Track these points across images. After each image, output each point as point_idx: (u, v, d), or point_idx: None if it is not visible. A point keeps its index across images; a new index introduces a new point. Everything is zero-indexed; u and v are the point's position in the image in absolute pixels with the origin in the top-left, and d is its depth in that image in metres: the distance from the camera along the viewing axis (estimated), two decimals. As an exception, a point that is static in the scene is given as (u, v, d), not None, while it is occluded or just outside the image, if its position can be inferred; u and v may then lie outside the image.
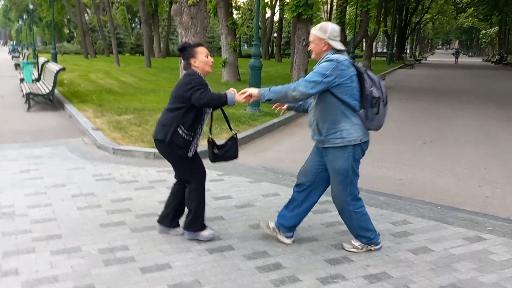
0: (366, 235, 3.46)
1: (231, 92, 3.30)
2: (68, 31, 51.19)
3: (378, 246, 3.52)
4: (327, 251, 3.50)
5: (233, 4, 15.30)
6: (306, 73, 14.06)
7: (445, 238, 3.82)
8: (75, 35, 49.76)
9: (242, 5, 18.51)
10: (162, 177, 5.26)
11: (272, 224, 3.64)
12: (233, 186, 5.00)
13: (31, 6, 35.41)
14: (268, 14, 35.15)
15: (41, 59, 13.42)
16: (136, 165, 5.75)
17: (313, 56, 3.37)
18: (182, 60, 3.52)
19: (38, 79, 12.69)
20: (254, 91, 3.21)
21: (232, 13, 15.83)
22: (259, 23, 34.92)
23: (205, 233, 3.61)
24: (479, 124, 9.50)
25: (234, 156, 3.66)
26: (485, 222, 4.21)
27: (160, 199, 4.53)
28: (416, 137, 8.00)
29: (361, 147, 3.36)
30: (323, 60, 3.21)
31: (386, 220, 4.18)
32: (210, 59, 3.52)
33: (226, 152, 3.62)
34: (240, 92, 3.27)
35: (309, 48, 3.38)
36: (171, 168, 5.54)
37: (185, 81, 3.34)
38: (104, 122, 7.90)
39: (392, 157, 6.56)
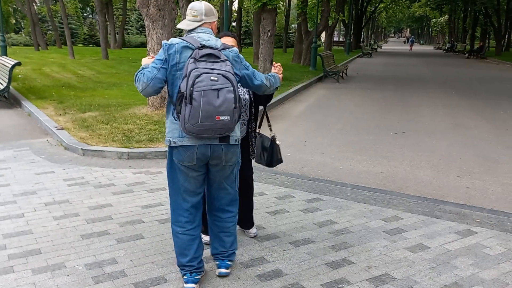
0: (178, 259, 2.91)
1: None
2: (15, 21, 48.55)
3: (185, 285, 2.86)
4: (325, 254, 3.40)
5: (195, -6, 14.88)
6: (272, 63, 13.94)
7: (438, 234, 3.82)
8: (23, 25, 47.27)
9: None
10: (140, 179, 4.99)
11: None
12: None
13: (-27, -5, 33.20)
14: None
15: (-9, 53, 12.58)
16: (110, 166, 5.44)
17: None
18: None
19: (-12, 74, 11.87)
20: None
21: (193, 1, 15.45)
22: (219, 12, 34.25)
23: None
24: (445, 112, 9.72)
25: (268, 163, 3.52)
26: (472, 214, 4.26)
27: (142, 203, 4.29)
28: (387, 128, 8.07)
29: (179, 152, 2.70)
30: None
31: (377, 216, 4.14)
32: None
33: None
34: None
35: None
36: (149, 169, 5.34)
37: None
38: (68, 121, 7.46)
39: (369, 150, 6.57)
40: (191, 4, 2.84)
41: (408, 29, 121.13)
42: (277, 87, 3.18)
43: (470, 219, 4.13)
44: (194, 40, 2.67)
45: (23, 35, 42.56)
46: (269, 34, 13.29)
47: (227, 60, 2.65)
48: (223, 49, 2.71)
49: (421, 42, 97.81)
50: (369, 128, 8.00)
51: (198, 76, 2.51)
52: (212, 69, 2.55)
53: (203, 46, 2.64)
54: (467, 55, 36.00)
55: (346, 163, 5.90)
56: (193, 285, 2.84)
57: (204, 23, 2.80)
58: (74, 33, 40.34)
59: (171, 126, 2.72)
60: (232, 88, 2.54)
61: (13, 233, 3.59)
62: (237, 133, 2.81)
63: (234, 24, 37.76)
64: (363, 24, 46.83)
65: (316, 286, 2.96)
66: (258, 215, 4.09)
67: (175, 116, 2.65)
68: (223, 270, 3.02)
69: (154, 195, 4.51)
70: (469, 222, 4.07)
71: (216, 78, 2.52)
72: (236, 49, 2.82)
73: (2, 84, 9.43)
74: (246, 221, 3.69)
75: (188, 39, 2.69)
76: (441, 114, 9.52)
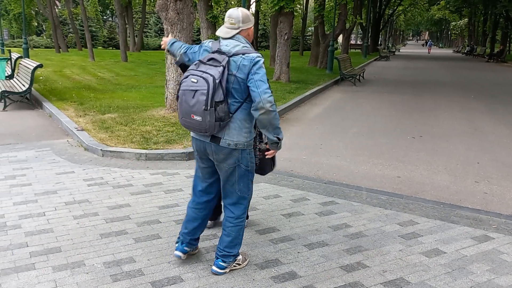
0: (182, 226, 3.32)
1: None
2: (36, 24, 49.52)
3: (175, 252, 3.28)
4: (340, 257, 3.42)
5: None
6: (288, 66, 13.96)
7: (454, 239, 3.80)
8: (44, 28, 48.16)
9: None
10: (157, 180, 5.08)
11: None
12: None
13: (-3, -2, 33.95)
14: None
15: (14, 55, 12.87)
16: (128, 167, 5.54)
17: None
18: None
19: (11, 76, 12.16)
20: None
21: (212, 6, 15.56)
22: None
23: None
24: (463, 117, 9.62)
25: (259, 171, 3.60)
26: (489, 220, 4.22)
27: (159, 204, 4.36)
28: (405, 132, 8.02)
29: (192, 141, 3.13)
30: None
31: (393, 221, 4.13)
32: None
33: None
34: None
35: None
36: (166, 171, 5.42)
37: None
38: (88, 122, 7.60)
39: (386, 154, 6.54)
40: (229, 12, 2.93)
41: (427, 32, 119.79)
42: (276, 128, 2.83)
43: (487, 225, 4.10)
44: (215, 45, 2.91)
45: (45, 37, 43.37)
46: (285, 37, 13.33)
47: (223, 66, 2.75)
48: (234, 54, 2.81)
49: (440, 45, 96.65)
50: (385, 132, 7.96)
51: (186, 77, 2.83)
52: (202, 71, 2.77)
53: (217, 51, 2.85)
54: (487, 58, 35.47)
55: (362, 167, 5.89)
56: (179, 253, 3.21)
57: (242, 30, 2.93)
58: (94, 36, 41.04)
59: None
60: (205, 91, 2.69)
61: (34, 231, 3.69)
62: (233, 138, 2.86)
63: (251, 27, 37.83)
64: (381, 27, 46.53)
65: (330, 289, 2.98)
66: (272, 217, 4.12)
67: None
68: (213, 268, 3.14)
69: (171, 196, 4.58)
70: (486, 228, 4.03)
71: (195, 80, 2.75)
72: (253, 55, 2.80)
73: (24, 85, 9.65)
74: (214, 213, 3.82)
75: (212, 44, 2.96)
76: (459, 118, 9.43)
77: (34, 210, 4.13)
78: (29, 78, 9.37)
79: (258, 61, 2.80)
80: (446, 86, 15.68)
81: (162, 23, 7.97)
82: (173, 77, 8.04)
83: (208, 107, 2.70)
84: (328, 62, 18.57)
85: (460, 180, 5.47)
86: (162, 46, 3.39)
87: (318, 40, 20.87)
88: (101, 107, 8.99)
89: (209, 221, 3.84)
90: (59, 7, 44.28)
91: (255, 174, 3.29)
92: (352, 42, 55.07)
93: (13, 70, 12.31)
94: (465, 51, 47.98)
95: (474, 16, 52.79)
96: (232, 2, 40.66)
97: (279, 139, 2.88)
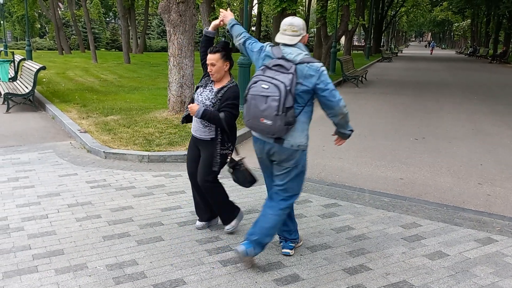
0: None
1: None
2: (39, 26, 49.69)
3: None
4: (343, 260, 3.41)
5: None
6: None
7: (457, 241, 3.78)
8: (47, 30, 48.34)
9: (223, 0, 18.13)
10: (160, 182, 5.08)
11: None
12: (233, 190, 4.84)
13: (0, 1, 34.07)
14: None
15: (17, 57, 12.91)
16: (131, 169, 5.54)
17: None
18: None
19: (14, 78, 12.20)
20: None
21: (214, 8, 15.59)
22: (238, 17, 34.23)
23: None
24: (466, 118, 9.60)
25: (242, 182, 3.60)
26: (492, 222, 4.21)
27: (162, 206, 4.36)
28: (407, 134, 8.01)
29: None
30: None
31: (396, 223, 4.12)
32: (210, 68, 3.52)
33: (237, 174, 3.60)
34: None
35: None
36: (168, 173, 5.42)
37: None
38: (91, 124, 7.62)
39: (388, 155, 6.53)
40: (289, 20, 3.09)
41: (430, 33, 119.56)
42: (348, 122, 3.20)
43: (491, 227, 4.09)
44: (278, 52, 3.05)
45: (48, 39, 43.54)
46: (288, 39, 13.33)
47: (292, 73, 2.89)
48: (300, 63, 2.95)
49: (443, 46, 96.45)
50: (388, 134, 7.95)
51: (255, 82, 2.97)
52: (271, 77, 2.91)
53: (282, 58, 2.99)
54: (490, 59, 35.39)
55: (365, 169, 5.88)
56: (287, 250, 3.45)
57: (302, 36, 3.09)
58: (97, 38, 41.13)
59: None
60: (277, 97, 2.85)
61: (37, 234, 3.70)
62: (295, 140, 3.04)
63: (253, 28, 37.94)
64: (384, 28, 46.49)
65: (333, 292, 2.97)
66: (275, 220, 4.11)
67: None
68: (243, 248, 3.14)
69: (174, 198, 4.58)
70: (490, 230, 4.02)
71: (267, 86, 2.90)
72: (317, 65, 2.97)
73: (27, 87, 9.69)
74: (216, 216, 3.93)
75: (274, 50, 3.08)
76: (462, 120, 9.40)
77: (37, 213, 4.13)
78: (32, 80, 9.40)
79: (323, 71, 2.98)
80: (448, 88, 15.65)
81: (164, 25, 7.99)
82: (175, 79, 8.05)
83: (280, 112, 2.86)
84: (331, 63, 18.56)
85: (463, 182, 5.45)
86: (220, 22, 3.50)
87: (321, 41, 20.87)
88: (104, 109, 9.01)
89: (203, 222, 3.89)
90: (62, 9, 44.42)
91: (260, 178, 3.40)
92: (355, 43, 55.05)
93: (16, 72, 12.35)
94: (468, 52, 47.90)
95: (477, 17, 52.66)
96: (235, 4, 40.69)
97: (352, 130, 3.24)
